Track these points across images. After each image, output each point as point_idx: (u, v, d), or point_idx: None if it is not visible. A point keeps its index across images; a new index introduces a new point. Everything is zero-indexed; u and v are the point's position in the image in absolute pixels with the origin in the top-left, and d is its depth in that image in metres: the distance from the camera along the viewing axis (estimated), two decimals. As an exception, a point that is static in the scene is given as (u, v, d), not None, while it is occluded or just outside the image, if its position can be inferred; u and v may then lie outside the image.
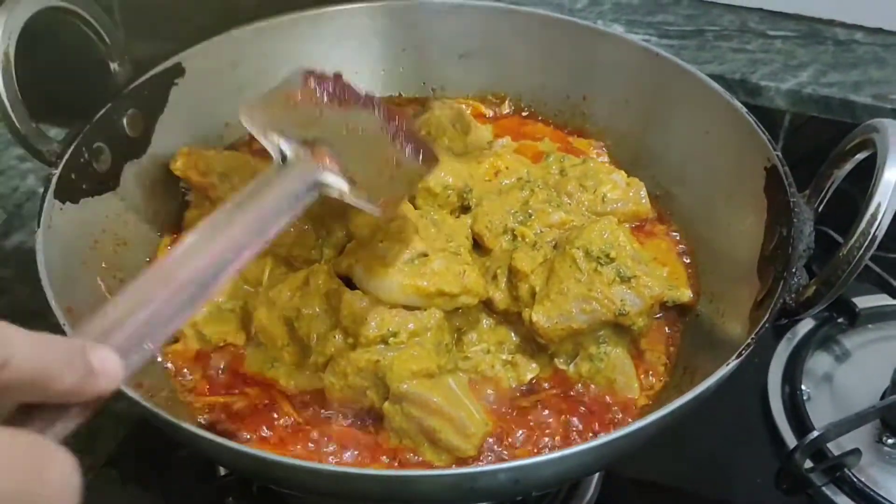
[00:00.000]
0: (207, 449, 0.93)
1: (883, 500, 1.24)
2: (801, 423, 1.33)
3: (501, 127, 1.47)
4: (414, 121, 1.35)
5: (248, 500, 1.25)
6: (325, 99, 1.02)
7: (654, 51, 1.36)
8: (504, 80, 1.51)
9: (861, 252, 0.95)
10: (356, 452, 1.05)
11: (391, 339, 1.04)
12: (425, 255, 1.09)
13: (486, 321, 1.15)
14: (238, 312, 1.17)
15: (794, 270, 1.02)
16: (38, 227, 1.07)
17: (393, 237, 1.09)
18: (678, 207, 1.32)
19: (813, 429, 1.29)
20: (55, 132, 1.19)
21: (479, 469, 0.89)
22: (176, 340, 1.16)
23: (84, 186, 1.17)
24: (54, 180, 1.12)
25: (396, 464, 1.03)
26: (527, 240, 1.16)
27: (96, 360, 0.66)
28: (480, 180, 1.27)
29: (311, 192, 0.94)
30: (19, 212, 1.68)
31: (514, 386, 1.11)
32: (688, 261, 1.27)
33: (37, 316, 1.45)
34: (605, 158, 1.41)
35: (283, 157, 0.96)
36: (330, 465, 1.00)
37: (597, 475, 1.27)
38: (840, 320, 1.49)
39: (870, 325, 1.51)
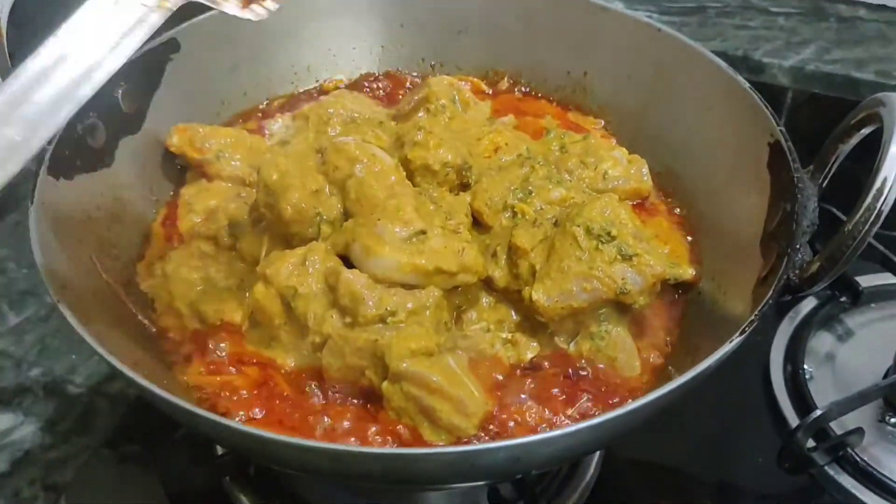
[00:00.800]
0: (205, 428, 0.91)
1: (886, 480, 1.24)
2: (803, 402, 1.33)
3: (500, 103, 1.45)
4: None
5: (245, 480, 1.24)
6: None
7: (656, 26, 1.35)
8: (503, 56, 1.50)
9: (866, 227, 0.94)
10: (355, 432, 1.03)
11: (389, 318, 1.03)
12: (423, 232, 1.07)
13: (485, 299, 1.14)
14: (235, 290, 1.16)
15: (797, 247, 1.00)
16: (32, 203, 1.06)
17: (391, 215, 1.08)
18: (680, 184, 1.31)
19: (815, 408, 1.28)
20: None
21: (479, 447, 0.88)
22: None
23: (78, 163, 1.16)
24: (48, 156, 1.11)
25: (396, 443, 1.02)
26: (527, 217, 1.15)
27: None
28: (479, 157, 1.26)
29: None
30: (14, 191, 1.66)
31: (513, 364, 1.10)
32: (690, 238, 1.26)
33: (32, 294, 1.47)
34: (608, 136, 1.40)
35: None
36: (328, 444, 0.98)
37: (597, 455, 1.26)
38: (843, 299, 1.48)
39: (873, 304, 1.50)
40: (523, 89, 1.50)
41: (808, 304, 1.47)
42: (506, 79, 1.50)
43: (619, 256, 1.06)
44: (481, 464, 0.87)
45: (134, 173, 1.26)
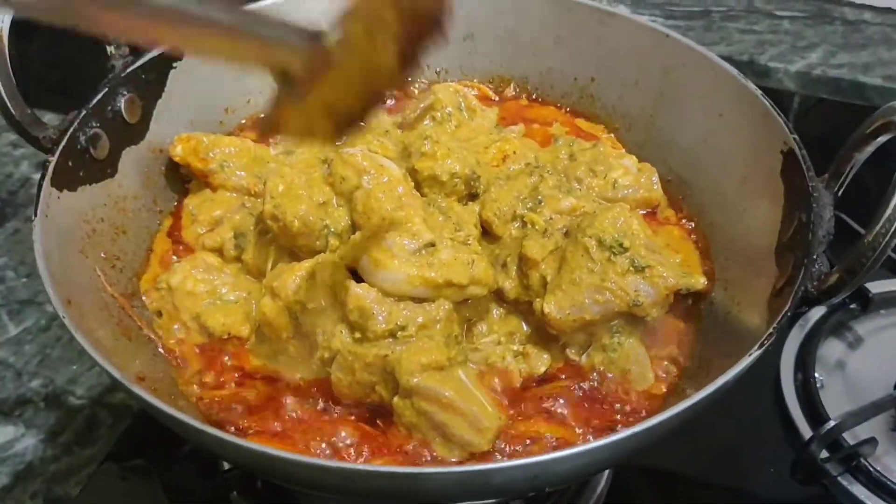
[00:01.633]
0: (212, 445, 0.90)
1: (900, 489, 1.23)
2: (815, 411, 1.32)
3: (507, 110, 1.44)
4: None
5: (252, 495, 1.23)
6: None
7: (664, 32, 1.33)
8: (509, 62, 1.48)
9: (887, 238, 0.92)
10: (365, 447, 1.02)
11: (399, 332, 1.01)
12: (432, 244, 1.06)
13: (496, 311, 1.13)
14: (242, 303, 1.14)
15: (815, 257, 0.99)
16: (35, 216, 1.04)
17: (399, 227, 1.06)
18: (690, 192, 1.30)
19: (828, 418, 1.27)
20: (49, 117, 1.16)
21: (497, 465, 0.87)
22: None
23: (81, 174, 1.15)
24: (51, 168, 1.09)
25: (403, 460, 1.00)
26: (537, 227, 1.13)
27: None
28: (487, 166, 1.24)
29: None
30: (13, 199, 1.66)
31: (525, 378, 1.08)
32: (700, 247, 1.24)
33: (32, 303, 1.45)
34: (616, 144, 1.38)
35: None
36: (336, 462, 0.97)
37: (608, 466, 1.25)
38: (852, 306, 1.47)
39: (882, 311, 1.49)
40: (532, 96, 1.48)
41: (818, 311, 1.46)
42: (512, 85, 1.49)
43: (631, 268, 1.05)
44: (498, 482, 0.86)
45: (137, 184, 1.24)
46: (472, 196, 1.20)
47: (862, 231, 0.95)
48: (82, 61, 1.22)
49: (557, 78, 1.46)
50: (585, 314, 1.05)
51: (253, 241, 1.17)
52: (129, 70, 1.23)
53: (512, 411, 1.04)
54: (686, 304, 1.17)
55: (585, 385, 1.08)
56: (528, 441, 1.02)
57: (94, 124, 1.17)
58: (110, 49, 1.24)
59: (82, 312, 1.00)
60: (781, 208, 1.11)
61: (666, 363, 1.12)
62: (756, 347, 0.91)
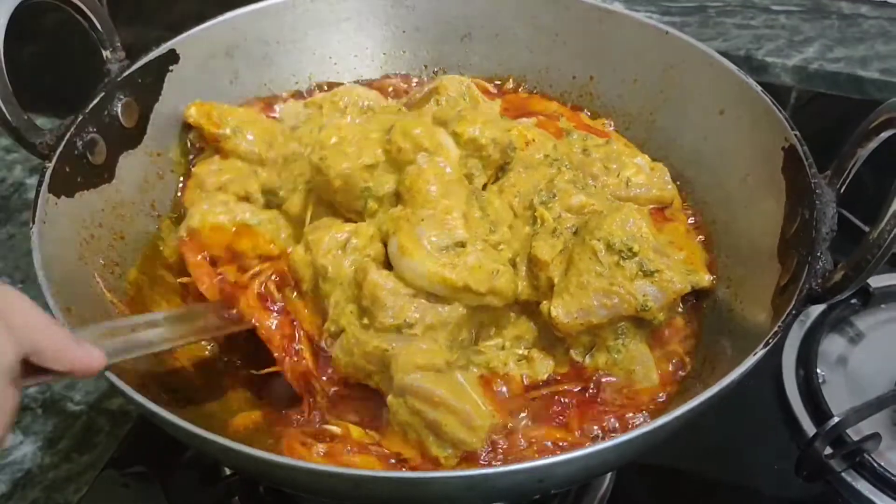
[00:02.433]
0: (213, 451, 0.89)
1: (904, 485, 1.22)
2: (818, 407, 1.31)
3: (509, 101, 1.43)
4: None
5: (254, 500, 1.22)
6: None
7: (663, 29, 1.33)
8: (508, 61, 1.47)
9: (892, 234, 0.91)
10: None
11: (406, 329, 1.01)
12: (463, 245, 1.04)
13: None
14: (265, 224, 1.18)
15: (818, 254, 0.98)
16: (34, 223, 1.03)
17: (438, 217, 1.05)
18: (692, 190, 1.29)
19: (831, 414, 1.26)
20: (42, 122, 1.15)
21: (501, 469, 0.85)
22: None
23: (79, 179, 1.14)
24: (48, 174, 1.08)
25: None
26: (546, 224, 1.12)
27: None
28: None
29: None
30: (7, 204, 1.64)
31: (527, 384, 1.08)
32: (704, 244, 1.24)
33: None
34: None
35: None
36: (339, 468, 0.95)
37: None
38: (853, 301, 1.46)
39: (883, 306, 1.48)
40: (531, 93, 1.47)
41: (818, 306, 1.45)
42: (510, 83, 1.48)
43: (640, 272, 1.04)
44: (503, 485, 0.85)
45: (136, 188, 1.24)
46: (502, 170, 1.19)
47: (865, 228, 0.95)
48: (78, 66, 1.21)
49: (556, 76, 1.45)
50: (593, 318, 1.04)
51: (301, 189, 1.18)
52: (125, 74, 1.22)
53: (515, 415, 1.04)
54: (690, 302, 1.16)
55: (590, 387, 1.07)
56: (532, 444, 1.01)
57: (91, 129, 1.16)
58: (106, 53, 1.23)
59: (82, 320, 0.99)
60: (784, 205, 1.10)
61: (670, 363, 1.11)
62: (761, 346, 0.91)
